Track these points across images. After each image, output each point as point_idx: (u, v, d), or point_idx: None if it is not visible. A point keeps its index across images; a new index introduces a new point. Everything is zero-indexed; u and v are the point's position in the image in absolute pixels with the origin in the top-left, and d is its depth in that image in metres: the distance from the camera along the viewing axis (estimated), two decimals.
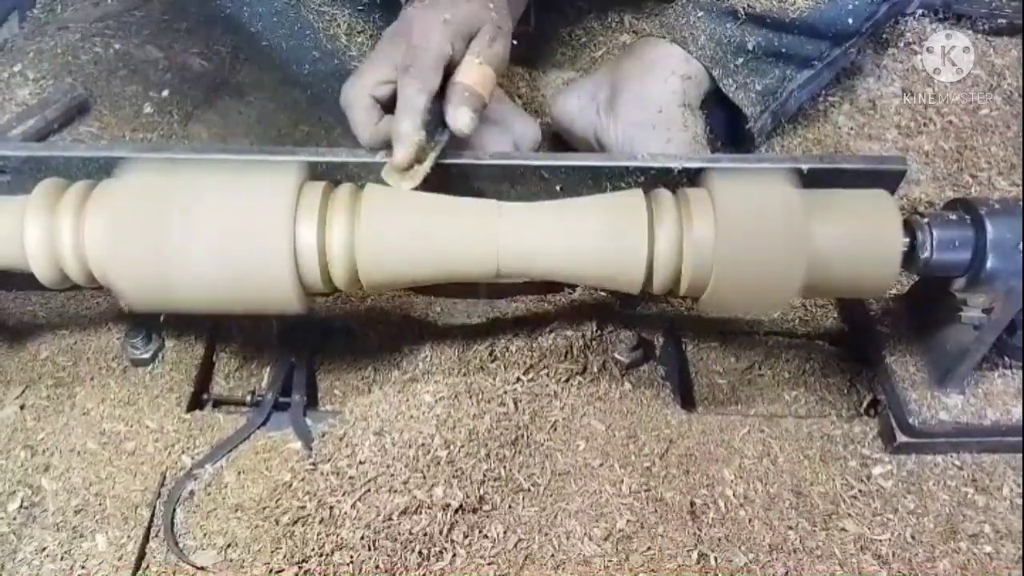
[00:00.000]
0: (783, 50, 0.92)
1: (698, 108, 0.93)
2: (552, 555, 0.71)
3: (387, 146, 0.72)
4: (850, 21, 0.91)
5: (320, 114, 1.09)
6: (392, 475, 0.72)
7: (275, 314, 0.71)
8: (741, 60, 0.92)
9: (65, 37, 1.21)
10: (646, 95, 0.92)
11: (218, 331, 0.87)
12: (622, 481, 0.75)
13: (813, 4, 0.89)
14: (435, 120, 0.71)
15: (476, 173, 0.75)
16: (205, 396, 0.84)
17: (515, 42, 0.78)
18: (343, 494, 0.72)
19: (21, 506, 0.73)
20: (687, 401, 0.85)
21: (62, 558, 0.70)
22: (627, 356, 0.85)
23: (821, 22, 0.90)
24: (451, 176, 0.75)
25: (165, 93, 1.15)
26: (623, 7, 1.22)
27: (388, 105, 0.73)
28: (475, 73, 0.72)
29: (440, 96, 0.71)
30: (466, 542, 0.71)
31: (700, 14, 0.92)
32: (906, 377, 0.79)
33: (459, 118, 0.70)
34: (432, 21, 0.71)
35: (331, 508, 0.71)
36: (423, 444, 0.74)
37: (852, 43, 0.96)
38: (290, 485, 0.73)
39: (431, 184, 0.74)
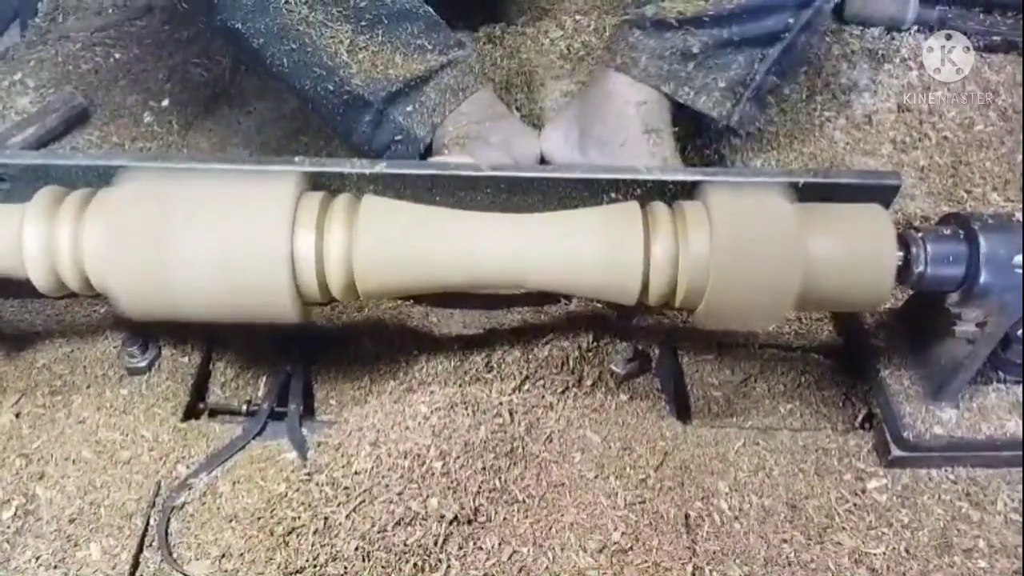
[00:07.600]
0: (736, 39, 0.87)
1: (668, 127, 0.91)
2: (547, 567, 0.71)
3: None
4: None
5: (320, 129, 1.09)
6: (387, 486, 0.72)
7: (272, 323, 0.71)
8: (692, 65, 0.88)
9: (66, 46, 1.22)
10: (606, 134, 0.90)
11: (215, 340, 0.87)
12: (617, 493, 0.75)
13: None
14: None
15: (474, 185, 0.76)
16: (201, 405, 0.84)
17: None
18: (338, 504, 0.72)
19: (15, 514, 0.73)
20: (682, 413, 0.85)
21: (56, 567, 0.70)
22: (623, 368, 0.85)
23: None
24: (449, 188, 0.75)
25: (165, 103, 1.15)
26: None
27: None
28: None
29: None
30: (460, 554, 0.71)
31: (637, 33, 0.88)
32: (901, 391, 0.79)
33: None
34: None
35: (326, 519, 0.71)
36: (418, 455, 0.74)
37: None
38: (285, 495, 0.73)
39: (431, 196, 0.75)
